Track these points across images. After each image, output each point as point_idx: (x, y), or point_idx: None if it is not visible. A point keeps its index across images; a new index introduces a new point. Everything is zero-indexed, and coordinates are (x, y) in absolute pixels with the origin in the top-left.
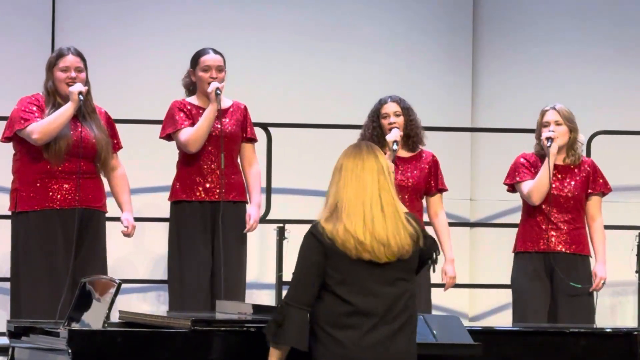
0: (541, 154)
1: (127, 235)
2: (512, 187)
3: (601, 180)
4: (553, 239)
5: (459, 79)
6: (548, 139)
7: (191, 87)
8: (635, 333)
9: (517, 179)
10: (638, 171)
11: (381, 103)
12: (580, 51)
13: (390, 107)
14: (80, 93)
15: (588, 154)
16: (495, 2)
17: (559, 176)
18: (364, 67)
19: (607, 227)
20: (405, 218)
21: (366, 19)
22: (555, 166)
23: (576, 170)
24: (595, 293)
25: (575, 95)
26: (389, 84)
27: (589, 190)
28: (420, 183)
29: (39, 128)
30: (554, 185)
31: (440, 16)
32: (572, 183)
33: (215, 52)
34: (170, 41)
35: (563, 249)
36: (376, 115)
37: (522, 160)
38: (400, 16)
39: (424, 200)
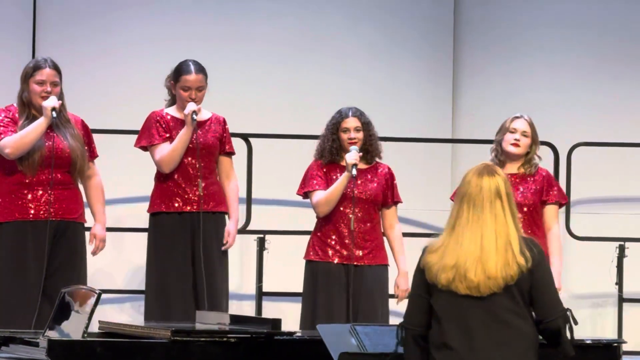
0: (500, 160)
1: (94, 253)
2: None
3: (556, 191)
4: None
5: (439, 90)
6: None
7: (172, 94)
8: (615, 345)
9: None
10: (618, 183)
11: (342, 116)
12: (559, 63)
13: (352, 122)
14: (53, 109)
15: (568, 165)
16: (475, 15)
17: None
18: (345, 79)
19: (587, 238)
20: (520, 249)
21: (347, 31)
22: (510, 175)
23: (530, 180)
24: None
25: (555, 107)
26: (370, 95)
27: (544, 199)
28: (377, 195)
29: (12, 142)
30: None
31: (421, 28)
32: (526, 192)
33: (198, 70)
34: (151, 51)
35: None
36: (336, 127)
37: None
38: (381, 28)
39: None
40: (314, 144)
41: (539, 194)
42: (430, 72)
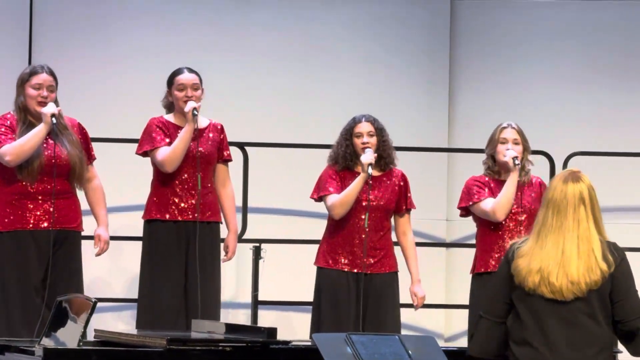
0: (493, 172)
1: (99, 254)
2: (466, 211)
3: None
4: None
5: (435, 99)
6: (514, 158)
7: (170, 106)
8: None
9: (475, 199)
10: (613, 192)
11: (355, 122)
12: (555, 73)
13: (364, 127)
14: (53, 115)
15: None
16: (471, 23)
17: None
18: (341, 88)
19: None
20: (602, 255)
21: (343, 41)
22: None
23: (527, 187)
24: None
25: (551, 116)
26: (367, 104)
27: None
28: (391, 202)
29: (12, 150)
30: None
31: (417, 39)
32: (527, 199)
33: (190, 70)
34: (148, 60)
35: None
36: (349, 133)
37: (473, 182)
38: (377, 39)
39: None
40: (309, 153)
41: (538, 201)
42: (426, 82)
